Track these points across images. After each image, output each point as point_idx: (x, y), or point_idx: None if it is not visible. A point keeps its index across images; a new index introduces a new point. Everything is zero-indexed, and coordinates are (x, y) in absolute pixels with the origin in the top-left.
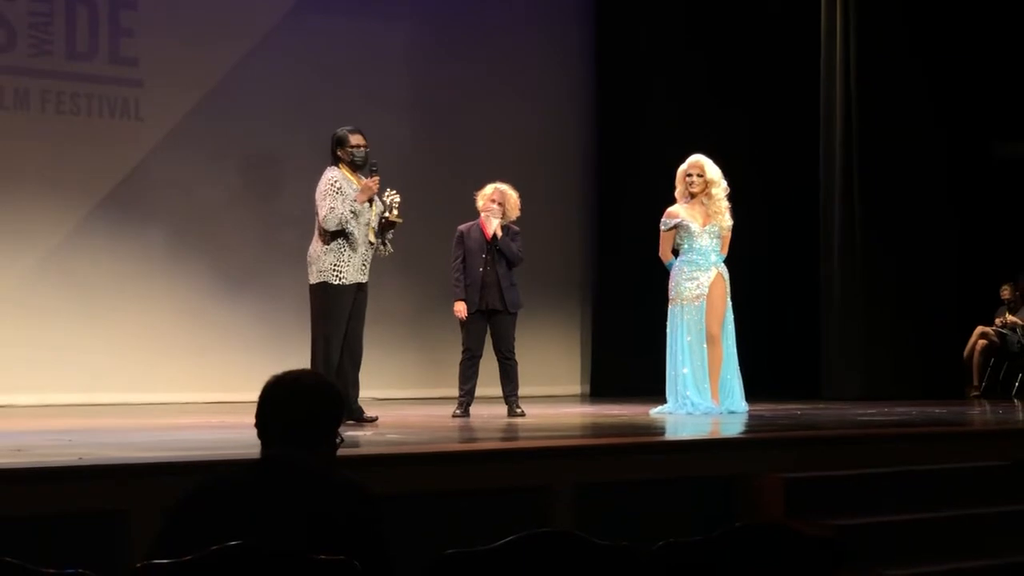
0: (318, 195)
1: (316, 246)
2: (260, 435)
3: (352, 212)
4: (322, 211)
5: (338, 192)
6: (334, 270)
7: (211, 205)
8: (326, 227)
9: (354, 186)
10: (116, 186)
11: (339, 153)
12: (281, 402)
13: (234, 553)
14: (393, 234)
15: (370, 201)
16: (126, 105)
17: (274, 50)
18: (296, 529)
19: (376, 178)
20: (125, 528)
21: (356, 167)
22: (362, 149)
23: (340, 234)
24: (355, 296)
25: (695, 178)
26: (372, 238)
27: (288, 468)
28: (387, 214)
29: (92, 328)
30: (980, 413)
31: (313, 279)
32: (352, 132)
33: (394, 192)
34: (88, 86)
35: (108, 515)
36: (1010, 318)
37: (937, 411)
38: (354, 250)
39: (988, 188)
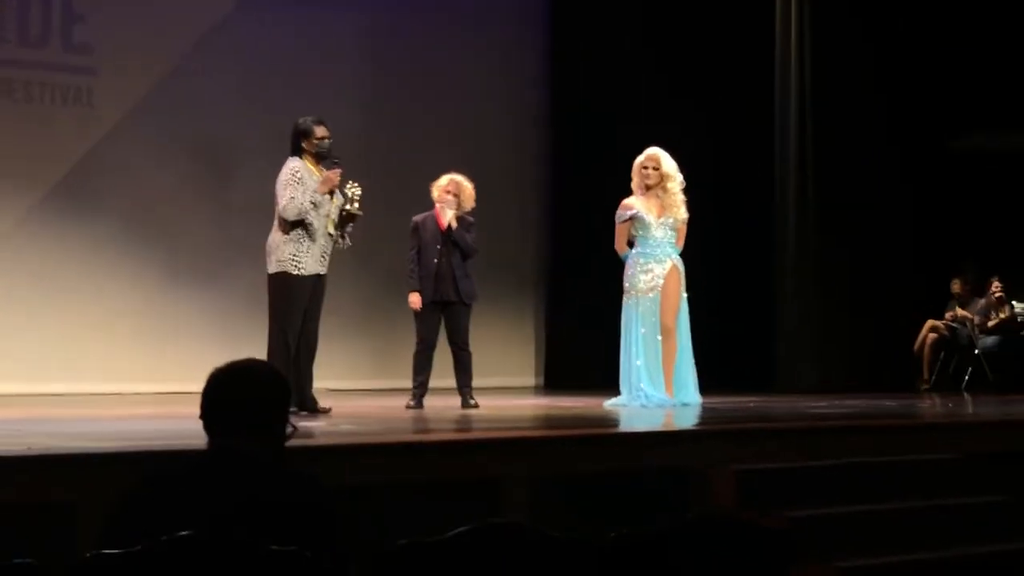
0: (279, 184)
1: (275, 235)
2: (206, 426)
3: (312, 203)
4: (282, 200)
5: (299, 182)
6: (293, 260)
7: (164, 194)
8: (285, 216)
9: (315, 177)
10: (67, 174)
11: (304, 144)
12: (226, 392)
13: (184, 543)
14: (352, 227)
15: (331, 193)
16: (79, 93)
17: (229, 38)
18: (244, 520)
19: (338, 170)
20: (74, 519)
21: (319, 158)
22: (327, 141)
23: (299, 224)
24: (314, 287)
25: (651, 171)
26: (331, 230)
27: (235, 458)
28: (348, 207)
29: (41, 317)
30: (930, 406)
31: (272, 268)
32: (317, 123)
33: (355, 185)
34: (41, 73)
35: (57, 506)
36: (960, 312)
37: (888, 404)
38: (313, 240)
39: (940, 183)
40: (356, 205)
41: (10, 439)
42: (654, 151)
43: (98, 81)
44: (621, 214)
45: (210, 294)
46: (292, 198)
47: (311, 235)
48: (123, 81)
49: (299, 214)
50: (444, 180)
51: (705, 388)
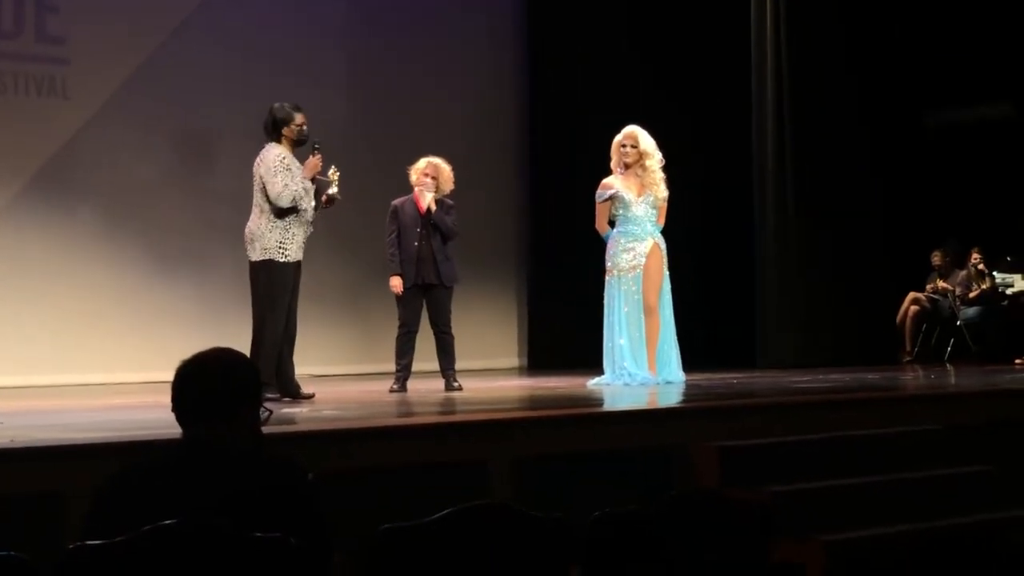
0: (266, 172)
1: (260, 223)
2: (178, 418)
3: (304, 189)
4: (275, 188)
5: (287, 169)
6: (280, 247)
7: (143, 183)
8: (279, 204)
9: (297, 163)
10: (44, 165)
11: (284, 131)
12: (190, 381)
13: (167, 533)
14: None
15: (312, 179)
16: (53, 83)
17: (204, 25)
18: (222, 507)
19: (320, 156)
20: (58, 510)
21: (297, 144)
22: (305, 127)
23: (291, 211)
24: (295, 273)
25: (629, 149)
26: (312, 215)
27: (210, 446)
28: (329, 191)
29: (23, 309)
30: (913, 378)
31: (256, 256)
32: (295, 110)
33: (336, 171)
34: (14, 64)
35: (41, 497)
36: (941, 284)
37: (871, 377)
38: (299, 228)
39: (917, 156)
40: (336, 189)
41: None
42: (632, 129)
43: (72, 71)
44: (601, 193)
45: (194, 282)
46: (286, 185)
47: (301, 222)
48: (98, 71)
49: (294, 201)
50: (422, 163)
51: (688, 366)
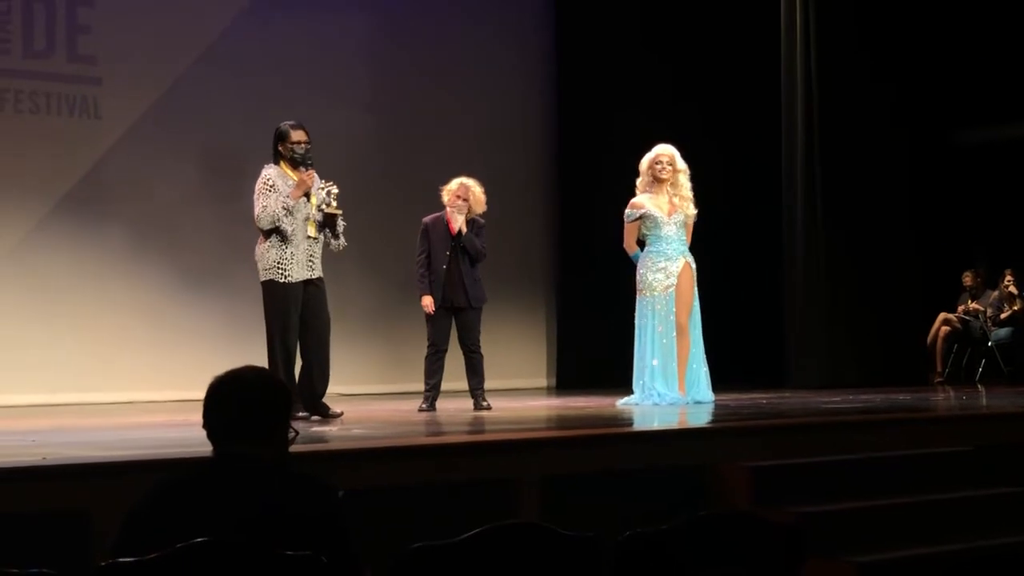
0: (254, 194)
1: (259, 244)
2: (209, 435)
3: (285, 209)
4: (255, 210)
5: (271, 190)
6: (278, 267)
7: (171, 203)
8: (260, 226)
9: (290, 182)
10: (76, 185)
11: (280, 149)
12: (224, 398)
13: (199, 550)
14: (344, 226)
15: (307, 196)
16: (85, 103)
17: (233, 46)
18: (252, 525)
19: (311, 172)
20: (89, 527)
21: (294, 164)
22: (303, 145)
23: (275, 231)
24: (305, 292)
25: (665, 164)
26: (312, 232)
27: (240, 464)
28: (323, 207)
29: (53, 328)
30: (944, 399)
31: (261, 277)
32: (294, 128)
33: (330, 183)
34: (46, 84)
35: (72, 514)
36: (972, 305)
37: (901, 398)
38: (294, 247)
39: (948, 176)
40: (334, 204)
41: (25, 449)
42: (667, 147)
43: (103, 91)
44: (631, 213)
45: (220, 301)
46: (264, 207)
47: (290, 241)
48: (129, 91)
49: (272, 222)
50: (454, 184)
51: (716, 386)
